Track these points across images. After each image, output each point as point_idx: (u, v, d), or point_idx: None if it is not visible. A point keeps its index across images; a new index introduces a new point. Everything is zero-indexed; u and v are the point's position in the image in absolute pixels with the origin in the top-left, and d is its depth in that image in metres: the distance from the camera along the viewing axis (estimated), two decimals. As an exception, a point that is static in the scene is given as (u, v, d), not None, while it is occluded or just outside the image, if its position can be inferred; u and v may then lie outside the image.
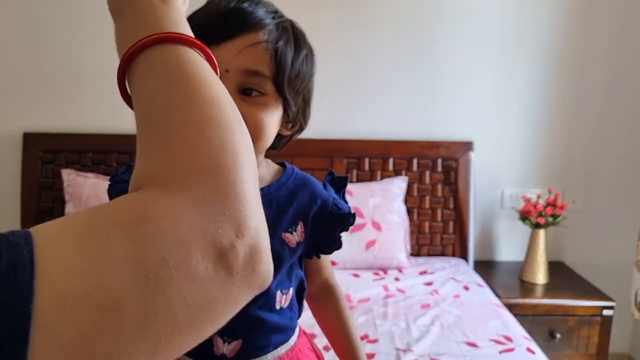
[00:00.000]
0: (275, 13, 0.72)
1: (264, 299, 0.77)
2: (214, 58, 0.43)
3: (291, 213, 0.78)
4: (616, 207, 2.24)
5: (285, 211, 0.77)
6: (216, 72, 0.42)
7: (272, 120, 0.70)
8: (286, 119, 0.75)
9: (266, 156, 0.81)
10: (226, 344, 0.76)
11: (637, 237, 1.90)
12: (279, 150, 0.81)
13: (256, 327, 0.77)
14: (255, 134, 0.67)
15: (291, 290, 0.80)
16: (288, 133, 0.79)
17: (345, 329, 0.88)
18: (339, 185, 0.85)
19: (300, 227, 0.78)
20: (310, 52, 0.77)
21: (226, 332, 0.76)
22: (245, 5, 0.68)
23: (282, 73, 0.68)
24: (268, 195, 0.76)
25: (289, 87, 0.70)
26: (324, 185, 0.84)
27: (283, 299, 0.78)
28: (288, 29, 0.73)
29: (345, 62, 2.14)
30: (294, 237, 0.78)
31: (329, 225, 0.80)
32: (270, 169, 0.81)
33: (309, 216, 0.79)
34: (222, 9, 0.68)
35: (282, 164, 0.83)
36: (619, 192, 2.23)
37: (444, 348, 1.45)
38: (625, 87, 2.17)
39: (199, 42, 0.41)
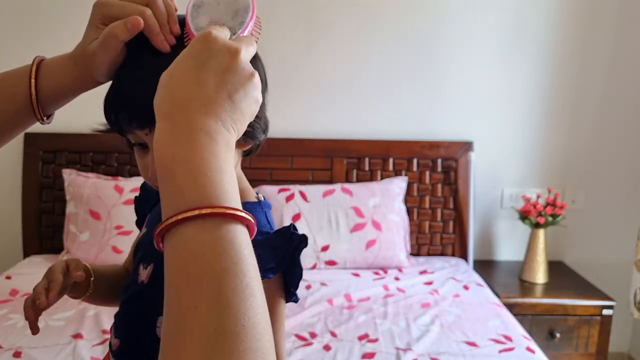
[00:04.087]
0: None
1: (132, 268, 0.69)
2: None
3: None
4: (616, 206, 2.24)
5: None
6: (251, 234, 0.42)
7: None
8: None
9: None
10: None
11: (637, 237, 1.90)
12: (253, 155, 0.66)
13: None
14: None
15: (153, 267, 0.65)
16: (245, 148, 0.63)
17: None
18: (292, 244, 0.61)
19: None
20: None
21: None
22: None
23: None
24: None
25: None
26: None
27: (145, 274, 0.65)
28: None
29: (345, 62, 2.15)
30: None
31: None
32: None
33: None
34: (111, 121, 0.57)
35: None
36: (618, 192, 2.24)
37: (443, 347, 1.46)
38: (625, 87, 2.17)
39: (245, 217, 0.40)
